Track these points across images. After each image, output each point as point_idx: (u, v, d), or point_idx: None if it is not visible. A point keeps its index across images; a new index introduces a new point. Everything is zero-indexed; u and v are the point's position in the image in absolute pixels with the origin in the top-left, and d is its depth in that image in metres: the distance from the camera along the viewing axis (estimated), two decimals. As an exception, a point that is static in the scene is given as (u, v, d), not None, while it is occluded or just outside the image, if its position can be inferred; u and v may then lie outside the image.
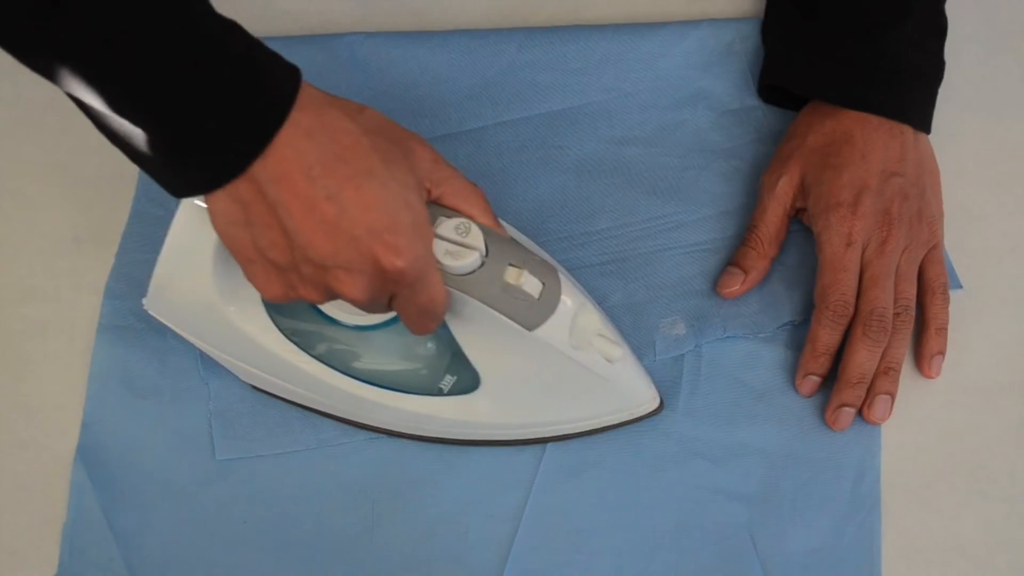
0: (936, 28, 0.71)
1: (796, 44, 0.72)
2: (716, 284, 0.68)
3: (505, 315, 0.54)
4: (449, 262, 0.53)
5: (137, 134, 0.47)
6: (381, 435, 0.65)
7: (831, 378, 0.65)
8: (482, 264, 0.54)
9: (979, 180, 0.72)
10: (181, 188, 0.49)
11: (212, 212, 0.50)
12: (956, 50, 0.72)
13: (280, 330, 0.61)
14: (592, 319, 0.58)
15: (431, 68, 0.75)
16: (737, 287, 0.67)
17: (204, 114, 0.46)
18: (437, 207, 0.54)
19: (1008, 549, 0.63)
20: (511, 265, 0.54)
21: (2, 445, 0.66)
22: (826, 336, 0.64)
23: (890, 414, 0.64)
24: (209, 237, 0.53)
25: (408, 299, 0.52)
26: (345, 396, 0.62)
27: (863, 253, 0.65)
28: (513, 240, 0.56)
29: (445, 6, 0.77)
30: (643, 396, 0.62)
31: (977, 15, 0.77)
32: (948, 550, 0.63)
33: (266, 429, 0.65)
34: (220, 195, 0.48)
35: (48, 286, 0.70)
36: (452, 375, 0.61)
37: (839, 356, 0.65)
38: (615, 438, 0.64)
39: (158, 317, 0.61)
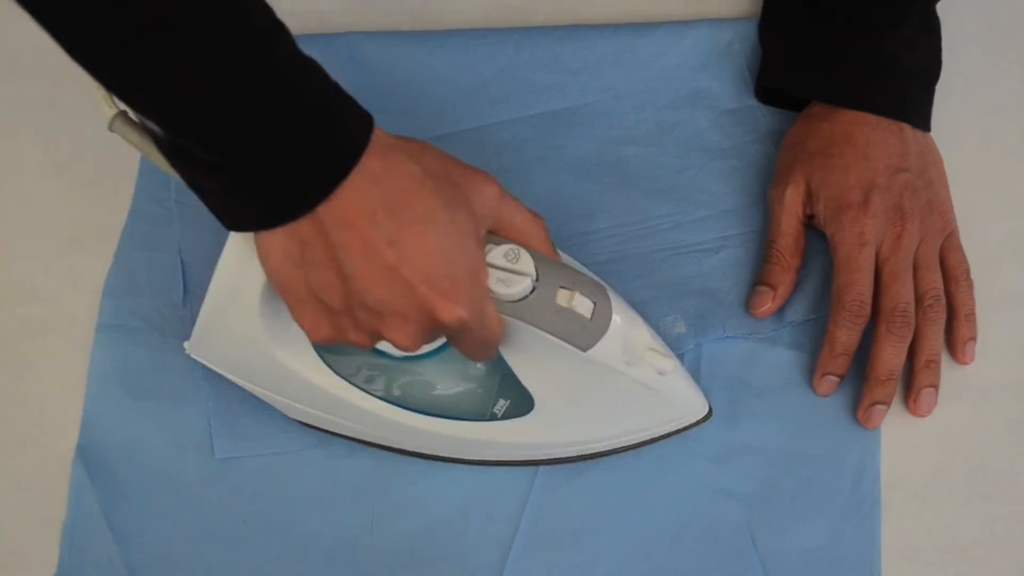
0: (929, 26, 0.71)
1: (795, 46, 0.72)
2: (747, 305, 0.67)
3: (560, 338, 0.54)
4: (501, 289, 0.53)
5: (204, 163, 0.47)
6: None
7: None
8: (533, 289, 0.54)
9: (979, 180, 0.72)
10: (240, 222, 0.49)
11: (266, 249, 0.50)
12: (956, 50, 0.72)
13: (330, 367, 0.60)
14: (642, 333, 0.58)
15: (429, 67, 0.75)
16: (769, 305, 0.67)
17: (276, 156, 0.46)
18: (488, 235, 0.54)
19: (1008, 549, 0.63)
20: (562, 288, 0.54)
21: (2, 445, 0.66)
22: (844, 336, 0.64)
23: (936, 405, 0.65)
24: (255, 278, 0.53)
25: (465, 337, 0.53)
26: (400, 428, 0.61)
27: (878, 251, 0.65)
28: (561, 262, 0.56)
29: (444, 6, 0.78)
30: (694, 404, 0.62)
31: (977, 15, 0.77)
32: (948, 550, 0.63)
33: (266, 428, 0.65)
34: (278, 232, 0.48)
35: (47, 286, 0.70)
36: (505, 399, 0.61)
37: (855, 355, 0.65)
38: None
39: (202, 361, 0.61)
